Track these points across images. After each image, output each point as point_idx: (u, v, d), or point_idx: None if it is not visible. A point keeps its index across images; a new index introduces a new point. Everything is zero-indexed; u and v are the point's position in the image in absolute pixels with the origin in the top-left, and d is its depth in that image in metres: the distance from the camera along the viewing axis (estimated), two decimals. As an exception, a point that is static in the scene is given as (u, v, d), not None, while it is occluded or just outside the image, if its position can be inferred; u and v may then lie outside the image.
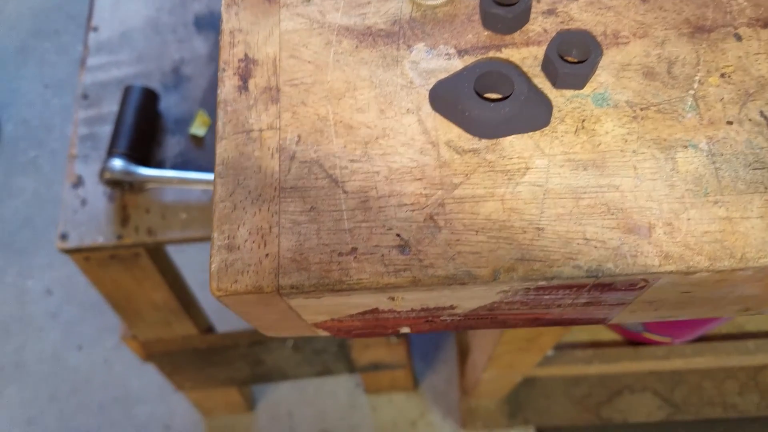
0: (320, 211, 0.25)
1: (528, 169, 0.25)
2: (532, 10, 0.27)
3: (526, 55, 0.26)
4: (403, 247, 0.24)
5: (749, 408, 1.03)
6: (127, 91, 0.87)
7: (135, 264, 0.87)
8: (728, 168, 0.24)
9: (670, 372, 1.07)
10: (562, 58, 0.25)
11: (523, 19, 0.26)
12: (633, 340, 0.97)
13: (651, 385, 1.08)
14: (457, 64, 0.26)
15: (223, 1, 0.28)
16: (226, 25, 0.28)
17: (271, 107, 0.26)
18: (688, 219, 0.23)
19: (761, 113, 0.25)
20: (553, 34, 0.26)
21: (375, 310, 0.27)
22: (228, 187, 0.25)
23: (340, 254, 0.24)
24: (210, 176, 0.82)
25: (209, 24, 0.95)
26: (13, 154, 1.58)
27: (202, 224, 0.84)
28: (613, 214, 0.23)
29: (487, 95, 0.24)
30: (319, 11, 0.28)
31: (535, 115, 0.23)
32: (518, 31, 0.27)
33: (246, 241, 0.24)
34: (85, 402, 1.36)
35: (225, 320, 1.32)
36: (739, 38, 0.26)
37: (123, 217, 0.83)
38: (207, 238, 0.84)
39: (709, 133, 0.25)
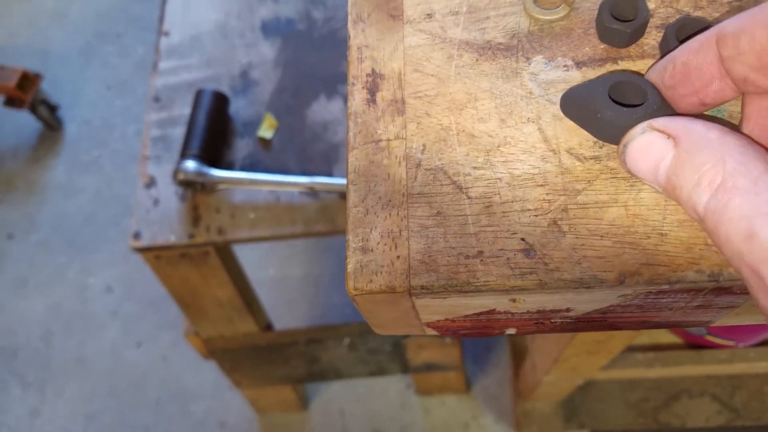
0: (446, 215, 0.26)
1: (648, 177, 0.26)
2: (648, 25, 0.28)
3: (641, 67, 0.28)
4: (528, 250, 0.25)
5: (814, 416, 1.01)
6: (199, 94, 0.90)
7: (204, 262, 0.90)
8: None
9: (729, 376, 1.06)
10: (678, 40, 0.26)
11: (639, 33, 0.27)
12: (695, 344, 0.96)
13: (710, 389, 1.06)
14: (576, 75, 0.28)
15: (349, 18, 0.30)
16: (354, 41, 0.30)
17: (397, 118, 0.28)
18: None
19: None
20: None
21: (491, 311, 0.28)
22: (360, 193, 0.27)
23: (467, 257, 0.26)
24: (277, 178, 0.85)
25: (275, 29, 0.98)
26: (76, 154, 1.64)
27: (270, 224, 0.87)
28: (735, 222, 0.24)
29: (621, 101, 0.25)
30: (441, 27, 0.29)
31: None
32: (634, 45, 0.28)
33: (378, 243, 0.26)
34: (142, 398, 1.40)
35: (281, 319, 1.35)
36: None
37: (194, 217, 0.86)
38: (274, 237, 0.87)
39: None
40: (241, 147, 0.90)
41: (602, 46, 0.28)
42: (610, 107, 0.24)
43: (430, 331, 0.32)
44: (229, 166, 0.89)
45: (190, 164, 0.83)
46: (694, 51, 0.22)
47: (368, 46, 0.29)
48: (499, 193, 0.26)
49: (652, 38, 0.28)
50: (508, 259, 0.25)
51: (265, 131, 0.91)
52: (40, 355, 1.43)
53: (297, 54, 0.95)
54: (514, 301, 0.27)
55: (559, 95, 0.27)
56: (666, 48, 0.27)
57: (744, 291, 0.26)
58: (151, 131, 0.92)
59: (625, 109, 0.24)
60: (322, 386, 1.39)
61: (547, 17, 0.29)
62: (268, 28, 0.99)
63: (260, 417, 1.36)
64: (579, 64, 0.28)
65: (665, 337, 0.98)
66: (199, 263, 0.91)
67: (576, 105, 0.26)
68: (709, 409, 1.05)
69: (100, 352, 1.43)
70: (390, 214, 0.27)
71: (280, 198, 0.87)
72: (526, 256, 0.25)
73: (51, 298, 1.48)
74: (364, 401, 1.38)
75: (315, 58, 0.94)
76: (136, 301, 1.47)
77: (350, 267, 0.26)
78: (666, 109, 0.24)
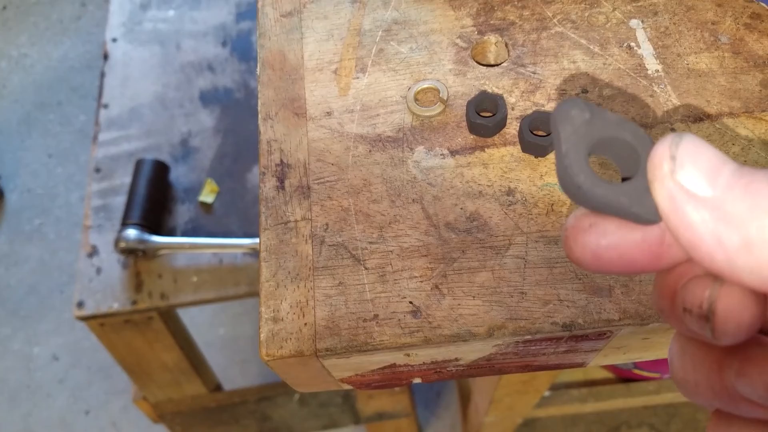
0: (347, 285, 0.31)
1: (511, 244, 0.31)
2: (508, 116, 0.34)
3: (504, 153, 0.33)
4: (416, 312, 0.30)
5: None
6: (139, 164, 0.93)
7: (148, 327, 0.92)
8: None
9: (665, 406, 1.12)
10: (531, 132, 0.31)
11: (501, 124, 0.33)
12: (624, 377, 1.02)
13: (647, 419, 1.12)
14: (450, 162, 0.33)
15: (259, 117, 0.35)
16: (264, 136, 0.34)
17: (303, 202, 0.33)
18: (640, 281, 0.30)
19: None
20: (526, 135, 0.33)
21: (393, 365, 0.33)
22: (271, 269, 0.31)
23: (365, 320, 0.30)
24: (219, 241, 0.88)
25: (214, 98, 1.03)
26: (18, 223, 1.64)
27: (213, 286, 0.90)
28: (580, 279, 0.30)
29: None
30: (339, 123, 0.34)
31: None
32: (497, 135, 0.33)
33: (288, 313, 0.30)
34: (93, 466, 1.37)
35: (233, 378, 1.36)
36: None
37: (137, 283, 0.89)
38: (218, 300, 0.90)
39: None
40: (183, 212, 0.94)
41: (471, 137, 0.34)
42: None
43: (346, 386, 0.36)
44: (170, 232, 0.92)
45: (131, 232, 0.86)
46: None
47: (276, 140, 0.34)
48: (391, 264, 0.31)
49: (512, 128, 0.34)
50: (399, 320, 0.30)
51: (207, 196, 0.95)
52: (-16, 430, 1.39)
53: (236, 121, 1.00)
54: (408, 355, 0.31)
55: (438, 179, 0.33)
56: (522, 138, 0.32)
57: (598, 337, 0.31)
58: (92, 201, 0.95)
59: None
60: (276, 443, 1.39)
61: (426, 113, 0.34)
62: (207, 98, 1.04)
63: (214, 479, 1.35)
64: (453, 153, 0.33)
65: (598, 372, 1.04)
66: (143, 329, 0.93)
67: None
68: (646, 439, 1.11)
69: (47, 422, 1.40)
70: (298, 287, 0.31)
71: (222, 260, 0.90)
72: (413, 317, 0.30)
73: (-5, 370, 1.45)
74: (318, 456, 1.38)
75: (254, 125, 0.99)
76: (83, 369, 1.45)
77: (263, 336, 0.30)
78: None
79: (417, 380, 0.36)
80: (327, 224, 0.32)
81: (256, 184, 0.94)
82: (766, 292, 0.17)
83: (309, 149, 0.34)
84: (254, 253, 0.88)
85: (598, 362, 0.36)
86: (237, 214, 0.93)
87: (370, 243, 0.32)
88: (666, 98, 0.34)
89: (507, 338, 0.29)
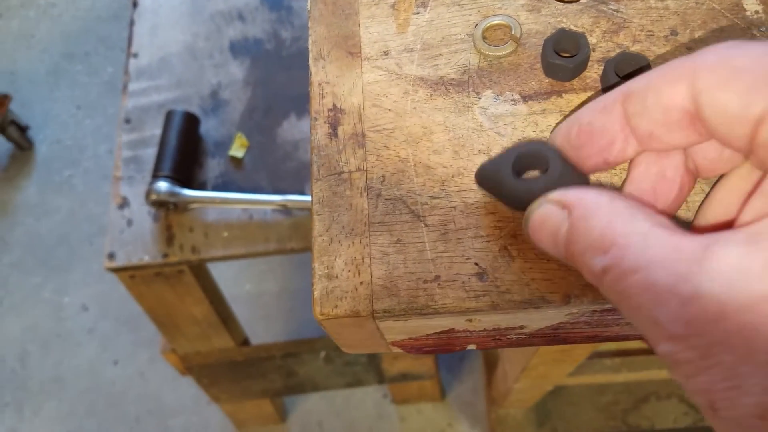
0: (405, 243, 0.28)
1: (590, 203, 0.28)
2: (590, 58, 0.30)
3: (584, 99, 0.30)
4: (482, 274, 0.27)
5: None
6: (170, 115, 0.91)
7: (178, 281, 0.91)
8: None
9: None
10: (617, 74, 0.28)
11: (582, 68, 0.30)
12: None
13: (677, 391, 1.10)
14: (522, 109, 0.30)
15: (310, 56, 0.32)
16: (315, 78, 0.31)
17: (358, 151, 0.30)
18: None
19: None
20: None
21: (451, 330, 0.30)
22: (325, 222, 0.29)
23: (425, 281, 0.27)
24: (249, 197, 0.86)
25: (244, 49, 1.00)
26: (47, 174, 1.64)
27: (243, 242, 0.88)
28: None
29: (527, 173, 0.27)
30: (397, 64, 0.31)
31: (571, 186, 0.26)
32: (577, 78, 0.30)
33: (343, 270, 0.28)
34: (121, 415, 1.39)
35: (258, 334, 1.35)
36: None
37: (168, 237, 0.87)
38: (248, 255, 0.88)
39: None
40: (213, 167, 0.91)
41: (547, 81, 0.30)
42: (513, 181, 0.25)
43: (396, 349, 0.34)
44: (201, 186, 0.90)
45: (162, 185, 0.84)
46: (598, 111, 0.23)
47: (329, 83, 0.31)
48: (454, 221, 0.28)
49: (594, 72, 0.30)
50: (463, 282, 0.27)
51: (237, 151, 0.92)
52: (17, 376, 1.41)
53: (266, 74, 0.97)
54: (470, 321, 0.28)
55: (508, 128, 0.30)
56: (606, 82, 0.29)
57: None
58: (122, 152, 0.93)
59: (527, 181, 0.25)
60: (300, 398, 1.40)
61: (495, 53, 0.31)
62: (237, 49, 1.00)
63: (239, 431, 1.37)
64: (525, 98, 0.30)
65: (632, 342, 1.01)
66: (173, 282, 0.92)
67: (487, 180, 0.27)
68: (677, 410, 1.09)
69: (77, 370, 1.43)
70: (353, 243, 0.28)
71: (253, 216, 0.88)
72: (479, 280, 0.27)
73: (26, 318, 1.47)
74: (341, 412, 1.39)
75: (284, 78, 0.96)
76: (112, 320, 1.46)
77: (316, 293, 0.27)
78: (568, 176, 0.25)
79: (472, 347, 0.34)
80: (383, 176, 0.29)
81: (286, 140, 0.91)
82: None
83: (364, 93, 0.31)
84: (284, 210, 0.86)
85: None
86: (266, 169, 0.90)
87: (431, 198, 0.29)
88: (767, 43, 0.30)
89: (584, 306, 0.27)
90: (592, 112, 0.23)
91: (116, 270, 0.87)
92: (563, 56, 0.29)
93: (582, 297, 0.26)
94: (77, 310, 1.47)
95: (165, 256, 0.86)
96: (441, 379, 1.37)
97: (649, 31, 0.31)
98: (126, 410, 1.38)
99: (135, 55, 1.00)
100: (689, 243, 0.19)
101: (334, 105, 0.31)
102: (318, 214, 0.29)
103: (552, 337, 0.32)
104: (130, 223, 0.88)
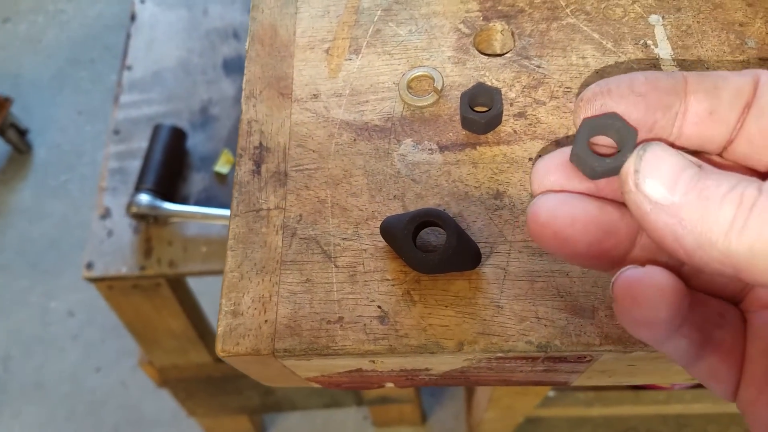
0: (314, 282, 0.29)
1: (492, 252, 0.29)
2: (504, 112, 0.31)
3: (496, 152, 0.31)
4: (383, 318, 0.28)
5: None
6: (157, 129, 0.93)
7: (156, 293, 0.92)
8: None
9: (675, 415, 1.09)
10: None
11: (495, 122, 0.31)
12: (635, 384, 0.99)
13: (656, 427, 1.09)
14: (438, 158, 0.31)
15: (243, 95, 0.33)
16: (245, 116, 0.33)
17: (279, 190, 0.31)
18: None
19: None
20: (522, 135, 0.31)
21: (359, 370, 0.31)
22: (237, 259, 0.30)
23: (329, 322, 0.28)
24: (229, 212, 0.87)
25: (237, 67, 1.01)
26: (44, 178, 1.66)
27: (222, 258, 0.89)
28: (562, 297, 0.27)
29: (426, 239, 0.28)
30: (325, 107, 0.32)
31: (463, 261, 0.27)
32: (491, 132, 0.31)
33: (249, 308, 0.29)
34: (100, 424, 1.40)
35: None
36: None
37: (146, 249, 0.88)
38: (224, 272, 0.89)
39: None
40: (197, 181, 0.93)
41: (464, 132, 0.31)
42: (411, 249, 0.26)
43: (314, 385, 0.34)
44: (184, 200, 0.91)
45: (144, 198, 0.86)
46: (663, 73, 0.22)
47: (257, 121, 0.32)
48: (363, 263, 0.29)
49: (509, 126, 0.31)
50: (364, 325, 0.28)
51: (222, 167, 0.94)
52: (-2, 378, 1.42)
53: (255, 93, 0.98)
54: (373, 362, 0.29)
55: (423, 176, 0.30)
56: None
57: (577, 360, 0.28)
58: (109, 163, 0.95)
59: (423, 255, 0.26)
60: (280, 417, 1.40)
61: (417, 103, 0.32)
62: (230, 66, 1.02)
63: (216, 446, 1.36)
64: (442, 148, 0.31)
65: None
66: (151, 294, 0.93)
67: (389, 235, 0.28)
68: (654, 447, 1.08)
69: (59, 376, 1.43)
70: (262, 280, 0.29)
71: (230, 233, 0.89)
72: (380, 323, 0.28)
73: (11, 321, 1.48)
74: (321, 432, 1.39)
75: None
76: (97, 327, 1.47)
77: (220, 330, 0.28)
78: (461, 253, 0.26)
79: (389, 385, 0.35)
80: (301, 215, 0.30)
81: (271, 158, 0.92)
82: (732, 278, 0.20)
83: (291, 133, 0.32)
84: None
85: (582, 382, 0.34)
86: (251, 186, 0.91)
87: (344, 239, 0.30)
88: (681, 105, 0.31)
89: (477, 354, 0.27)
90: (654, 73, 0.22)
91: (94, 280, 0.88)
92: (478, 111, 0.30)
93: (474, 344, 0.27)
94: (63, 315, 1.48)
95: (142, 268, 0.87)
96: (422, 403, 1.37)
97: (567, 88, 0.32)
98: (105, 419, 1.39)
99: (129, 68, 1.02)
100: None
101: (260, 143, 0.32)
102: (231, 250, 0.30)
103: (463, 379, 0.32)
104: (110, 233, 0.89)
